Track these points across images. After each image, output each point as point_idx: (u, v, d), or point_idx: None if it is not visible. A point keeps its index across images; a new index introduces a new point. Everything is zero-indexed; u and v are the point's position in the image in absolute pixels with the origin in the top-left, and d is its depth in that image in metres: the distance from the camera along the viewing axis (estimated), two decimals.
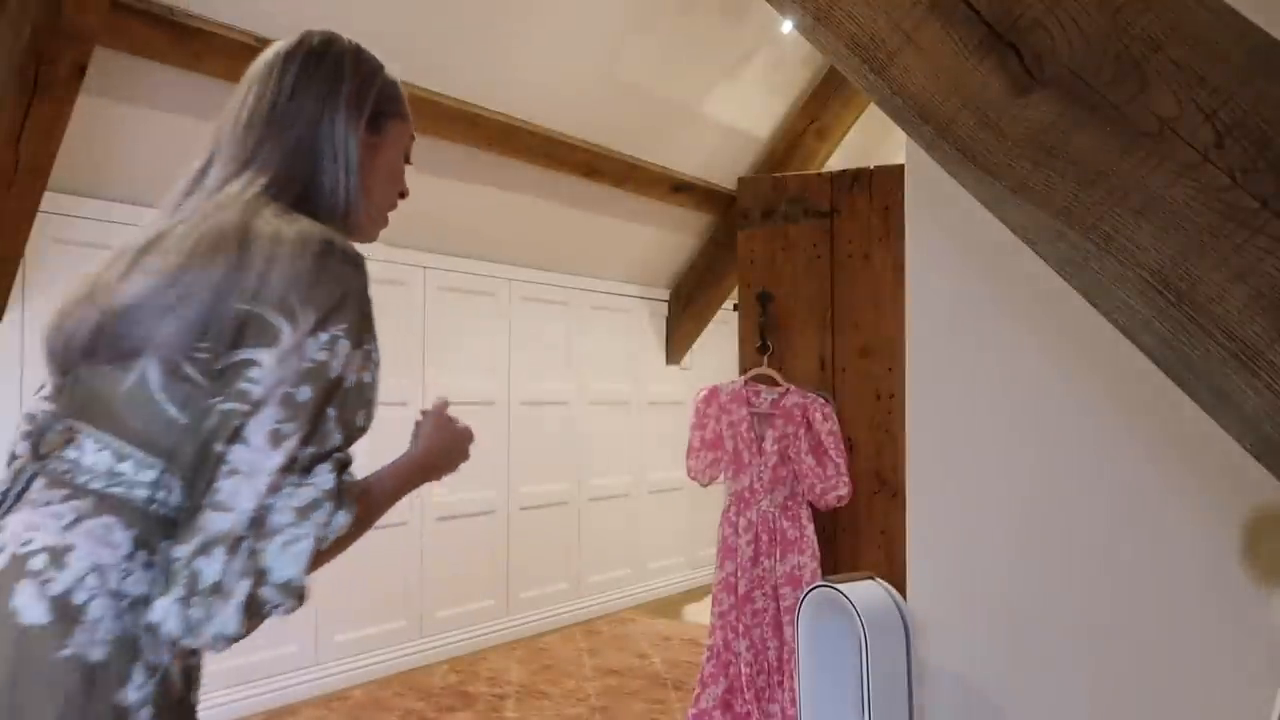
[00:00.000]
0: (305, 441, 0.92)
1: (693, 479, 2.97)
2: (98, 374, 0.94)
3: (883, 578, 2.21)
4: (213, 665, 3.66)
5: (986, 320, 2.02)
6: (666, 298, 5.50)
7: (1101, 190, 0.84)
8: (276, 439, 0.90)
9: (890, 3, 0.92)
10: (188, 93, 2.86)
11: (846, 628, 2.12)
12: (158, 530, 0.91)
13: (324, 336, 0.93)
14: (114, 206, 3.00)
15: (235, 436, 0.89)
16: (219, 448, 0.88)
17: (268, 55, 1.14)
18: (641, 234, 4.97)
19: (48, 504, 0.91)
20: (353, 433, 0.99)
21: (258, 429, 0.89)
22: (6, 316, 2.78)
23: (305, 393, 0.91)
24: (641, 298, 5.35)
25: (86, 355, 0.95)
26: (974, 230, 1.94)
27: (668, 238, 5.14)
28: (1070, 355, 1.91)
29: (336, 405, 0.95)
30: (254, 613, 0.90)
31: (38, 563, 0.88)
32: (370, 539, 3.81)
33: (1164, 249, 0.82)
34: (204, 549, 0.86)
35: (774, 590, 2.78)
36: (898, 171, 2.47)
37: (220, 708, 3.27)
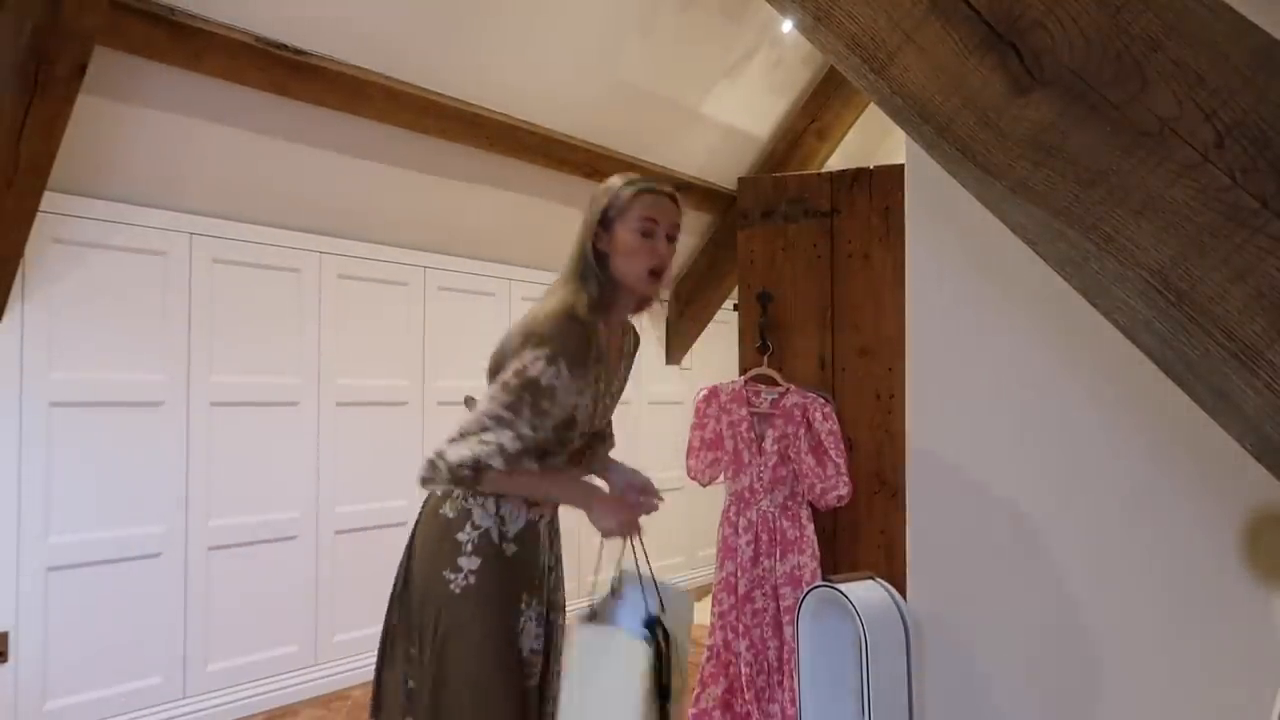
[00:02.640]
0: (501, 406, 1.65)
1: (693, 479, 2.97)
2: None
3: (883, 578, 2.20)
4: (213, 665, 3.62)
5: (986, 320, 2.01)
6: (666, 298, 5.49)
7: (1101, 190, 0.84)
8: (489, 399, 1.67)
9: (890, 3, 0.92)
10: (187, 92, 2.86)
11: (846, 628, 2.12)
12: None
13: (528, 355, 1.66)
14: (114, 206, 3.00)
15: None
16: None
17: None
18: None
19: None
20: (542, 418, 1.66)
21: (489, 391, 1.69)
22: (6, 316, 2.78)
23: (512, 381, 1.66)
24: None
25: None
26: (974, 230, 1.94)
27: None
28: (1070, 355, 1.91)
29: (530, 394, 1.65)
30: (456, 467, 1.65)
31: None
32: (370, 539, 3.82)
33: (1164, 249, 0.82)
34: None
35: (774, 590, 2.77)
36: (898, 171, 2.47)
37: (220, 708, 3.27)
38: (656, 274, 1.79)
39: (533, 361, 1.66)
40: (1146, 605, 1.81)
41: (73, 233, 2.91)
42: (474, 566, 1.71)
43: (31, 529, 2.85)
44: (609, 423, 2.02)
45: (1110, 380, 1.85)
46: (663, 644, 1.71)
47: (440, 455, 1.65)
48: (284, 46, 2.87)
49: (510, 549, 1.75)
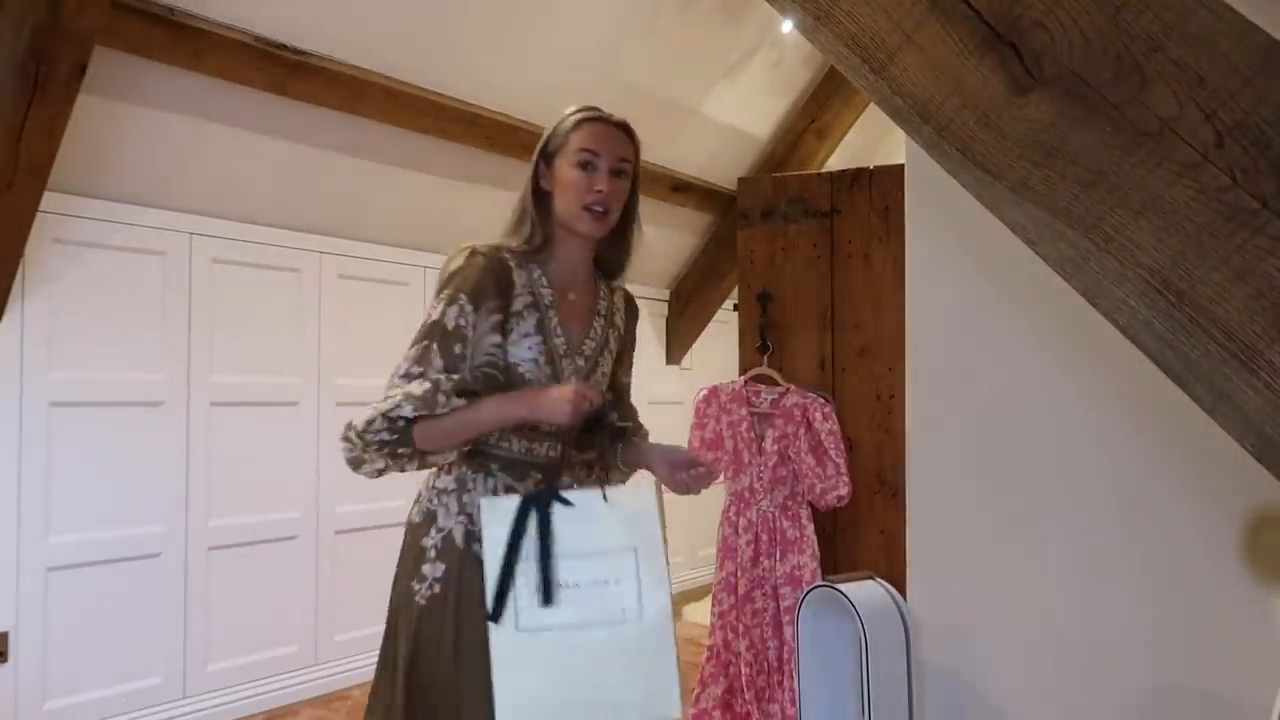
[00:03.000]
0: (411, 362, 1.50)
1: None
2: None
3: (883, 578, 2.21)
4: (214, 665, 3.62)
5: (986, 320, 2.01)
6: (666, 298, 5.49)
7: (1101, 190, 0.84)
8: (401, 360, 1.51)
9: (890, 2, 0.92)
10: (187, 92, 2.86)
11: (846, 628, 2.12)
12: (462, 459, 1.58)
13: (432, 303, 1.54)
14: (114, 206, 3.00)
15: None
16: None
17: None
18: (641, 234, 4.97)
19: None
20: (457, 361, 1.50)
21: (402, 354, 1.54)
22: (6, 316, 2.78)
23: (417, 333, 1.52)
24: (641, 297, 5.34)
25: None
26: (974, 230, 1.94)
27: (668, 238, 5.13)
28: (1070, 355, 1.91)
29: (436, 339, 1.50)
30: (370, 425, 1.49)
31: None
32: (370, 539, 3.82)
33: (1164, 249, 0.82)
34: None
35: (774, 590, 2.77)
36: (898, 171, 2.47)
37: (220, 708, 3.27)
38: (593, 211, 1.58)
39: (434, 307, 1.53)
40: (1146, 605, 1.81)
41: (72, 232, 2.91)
42: (438, 574, 1.54)
43: (31, 529, 2.85)
44: (632, 408, 1.81)
45: (1110, 381, 1.85)
46: (548, 530, 1.43)
47: (349, 426, 1.49)
48: (283, 46, 2.87)
49: (481, 550, 1.53)
